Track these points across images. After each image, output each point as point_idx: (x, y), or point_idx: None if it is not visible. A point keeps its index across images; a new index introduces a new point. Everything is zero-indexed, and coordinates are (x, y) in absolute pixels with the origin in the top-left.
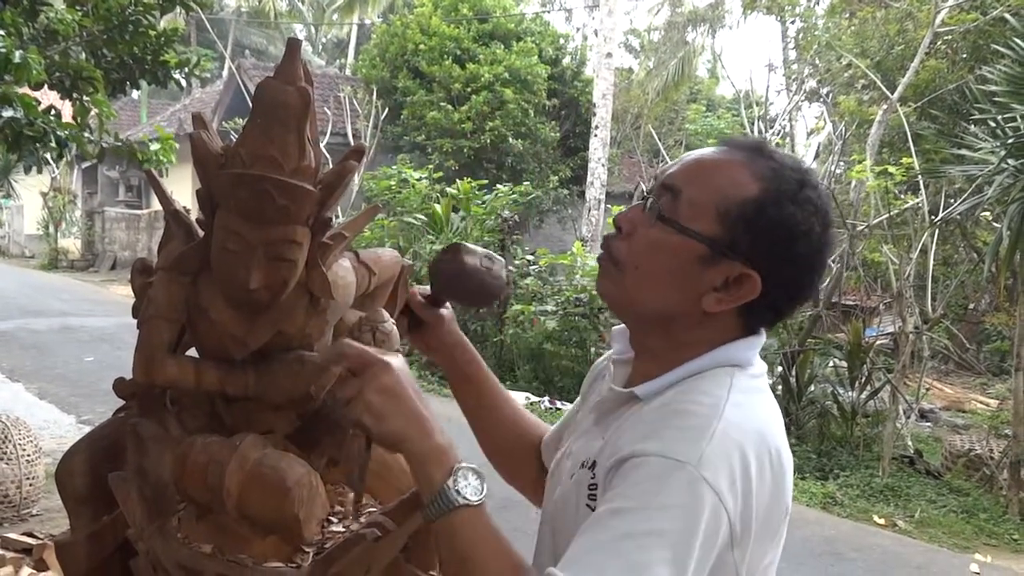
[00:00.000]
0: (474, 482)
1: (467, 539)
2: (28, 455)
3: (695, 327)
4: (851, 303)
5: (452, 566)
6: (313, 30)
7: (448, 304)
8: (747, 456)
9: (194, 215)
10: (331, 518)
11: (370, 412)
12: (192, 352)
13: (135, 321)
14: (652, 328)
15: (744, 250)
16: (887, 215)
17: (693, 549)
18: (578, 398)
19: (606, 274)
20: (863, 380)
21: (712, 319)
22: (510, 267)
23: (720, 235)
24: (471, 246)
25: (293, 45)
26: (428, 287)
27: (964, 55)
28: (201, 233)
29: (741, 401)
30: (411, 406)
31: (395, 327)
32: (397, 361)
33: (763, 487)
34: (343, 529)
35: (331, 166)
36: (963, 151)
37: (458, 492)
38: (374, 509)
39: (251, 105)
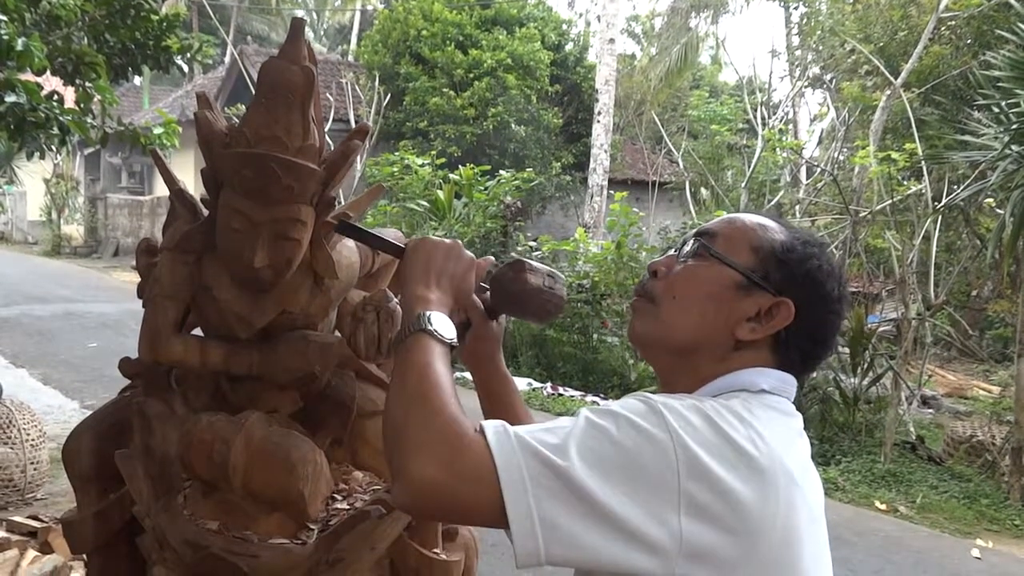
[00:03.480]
0: (444, 321)
1: (419, 361)
2: (32, 440)
3: (723, 359)
4: (853, 289)
5: (396, 392)
6: (315, 16)
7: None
8: (704, 409)
9: (197, 198)
10: (335, 496)
11: (417, 248)
12: (197, 331)
13: (139, 307)
14: (681, 361)
15: (777, 281)
16: (890, 201)
17: (627, 441)
18: None
19: (640, 313)
20: (865, 366)
21: (741, 355)
22: (526, 251)
23: (754, 266)
24: (535, 264)
25: (297, 25)
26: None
27: (968, 40)
28: (206, 213)
29: (733, 403)
30: (436, 265)
31: (399, 307)
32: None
33: (705, 435)
34: (347, 507)
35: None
36: (966, 137)
37: (428, 320)
38: (378, 487)
39: (255, 86)
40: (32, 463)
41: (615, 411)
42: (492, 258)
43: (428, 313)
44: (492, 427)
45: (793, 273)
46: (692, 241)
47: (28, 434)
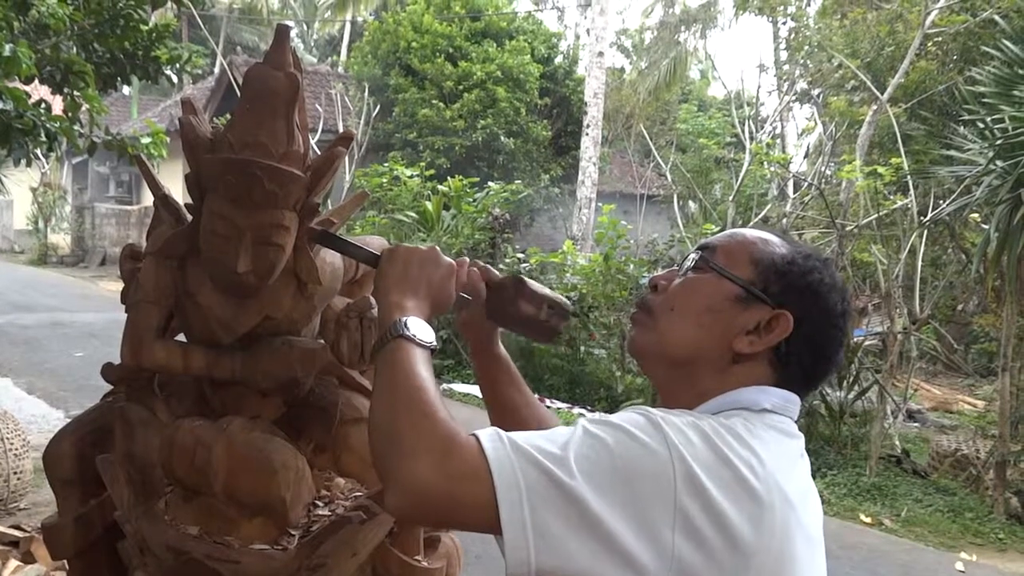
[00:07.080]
0: (423, 326)
1: (402, 366)
2: (16, 449)
3: (722, 373)
4: None
5: (382, 397)
6: (305, 27)
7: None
8: (703, 428)
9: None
10: (317, 501)
11: (392, 255)
12: (180, 337)
13: (124, 314)
14: (679, 374)
15: (776, 294)
16: (876, 215)
17: (629, 457)
18: None
19: (639, 324)
20: (851, 380)
21: (740, 369)
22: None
23: (753, 279)
24: (537, 290)
25: (282, 31)
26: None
27: (954, 56)
28: (190, 218)
29: (734, 422)
30: (412, 273)
31: None
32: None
33: (703, 453)
34: (329, 513)
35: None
36: (952, 152)
37: (406, 325)
38: (360, 493)
39: (240, 91)
40: (15, 473)
41: (615, 422)
42: (466, 259)
43: (405, 319)
44: (486, 432)
45: (793, 285)
46: (693, 255)
47: (11, 444)
